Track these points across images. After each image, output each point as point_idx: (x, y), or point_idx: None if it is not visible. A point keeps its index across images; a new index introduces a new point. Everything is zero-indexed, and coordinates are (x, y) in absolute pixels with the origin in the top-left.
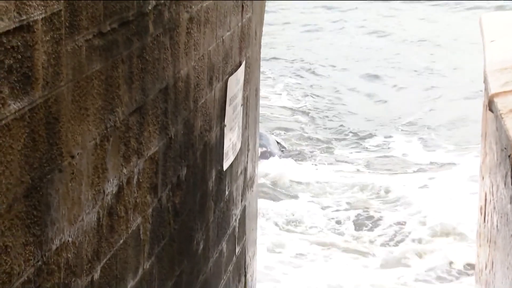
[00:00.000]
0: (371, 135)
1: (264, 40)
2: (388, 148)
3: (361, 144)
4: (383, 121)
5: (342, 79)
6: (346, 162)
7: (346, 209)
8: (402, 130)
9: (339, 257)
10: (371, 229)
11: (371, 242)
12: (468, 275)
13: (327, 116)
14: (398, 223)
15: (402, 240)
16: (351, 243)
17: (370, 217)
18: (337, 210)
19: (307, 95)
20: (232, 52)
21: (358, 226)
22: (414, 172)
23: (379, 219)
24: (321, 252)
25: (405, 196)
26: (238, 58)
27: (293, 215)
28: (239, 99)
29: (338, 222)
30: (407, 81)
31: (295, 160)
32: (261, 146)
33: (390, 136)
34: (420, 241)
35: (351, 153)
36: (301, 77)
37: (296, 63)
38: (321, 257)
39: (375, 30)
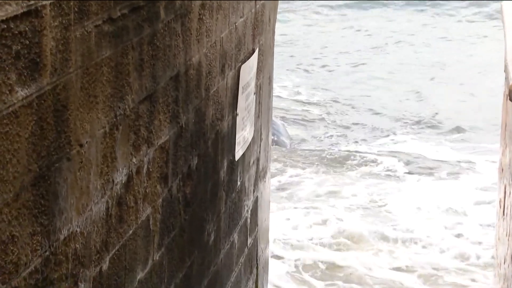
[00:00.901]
0: (381, 131)
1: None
2: (393, 144)
3: (368, 139)
4: (393, 118)
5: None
6: (347, 155)
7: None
8: (415, 127)
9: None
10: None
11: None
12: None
13: (338, 110)
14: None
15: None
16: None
17: (320, 214)
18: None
19: (318, 89)
20: (245, 39)
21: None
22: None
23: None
24: None
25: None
26: (251, 45)
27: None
28: (252, 88)
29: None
30: (420, 77)
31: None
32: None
33: (395, 134)
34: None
35: (357, 146)
36: (311, 71)
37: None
38: None
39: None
